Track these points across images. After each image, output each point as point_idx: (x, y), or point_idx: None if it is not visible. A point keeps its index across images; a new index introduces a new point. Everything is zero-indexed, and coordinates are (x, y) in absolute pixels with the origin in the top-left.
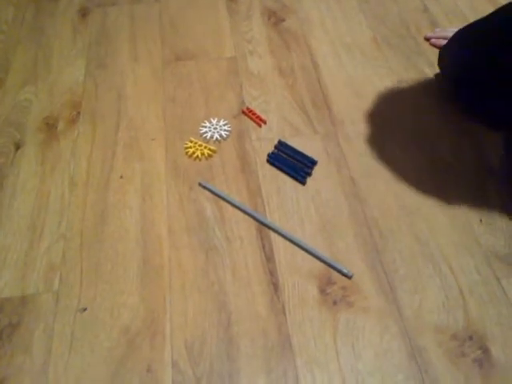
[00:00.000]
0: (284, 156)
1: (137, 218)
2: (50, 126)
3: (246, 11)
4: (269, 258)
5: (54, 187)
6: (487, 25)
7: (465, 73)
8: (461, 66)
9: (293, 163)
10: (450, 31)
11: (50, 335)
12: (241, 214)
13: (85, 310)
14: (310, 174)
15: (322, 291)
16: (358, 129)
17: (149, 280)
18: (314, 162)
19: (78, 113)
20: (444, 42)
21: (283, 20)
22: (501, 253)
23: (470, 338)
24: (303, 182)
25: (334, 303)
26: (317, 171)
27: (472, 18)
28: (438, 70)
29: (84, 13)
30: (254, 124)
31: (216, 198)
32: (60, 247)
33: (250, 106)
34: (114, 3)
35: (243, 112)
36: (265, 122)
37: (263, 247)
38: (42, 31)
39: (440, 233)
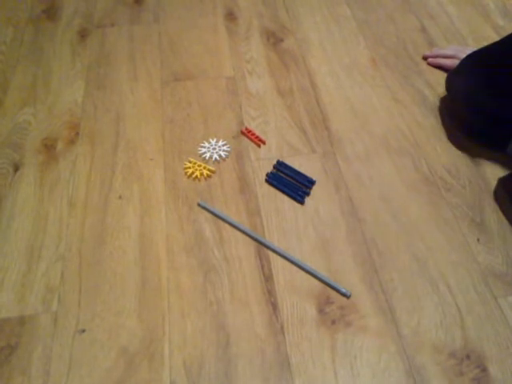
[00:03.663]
0: (283, 176)
1: (135, 238)
2: (48, 147)
3: (245, 32)
4: (267, 277)
5: (53, 208)
6: (500, 50)
7: (476, 100)
8: (473, 93)
9: (291, 183)
10: (449, 49)
11: (49, 356)
12: (240, 235)
13: (83, 331)
14: (308, 194)
15: (321, 311)
16: (356, 148)
17: (147, 301)
18: (312, 182)
19: (77, 134)
20: (442, 60)
21: (282, 40)
22: (498, 271)
23: (468, 356)
24: (302, 202)
25: (333, 323)
26: (315, 191)
27: (469, 37)
28: (435, 90)
29: (83, 34)
30: (253, 144)
31: (215, 218)
32: (58, 268)
33: (249, 126)
34: (114, 24)
35: (242, 132)
36: (264, 142)
37: (262, 267)
38: (41, 52)
39: (438, 252)
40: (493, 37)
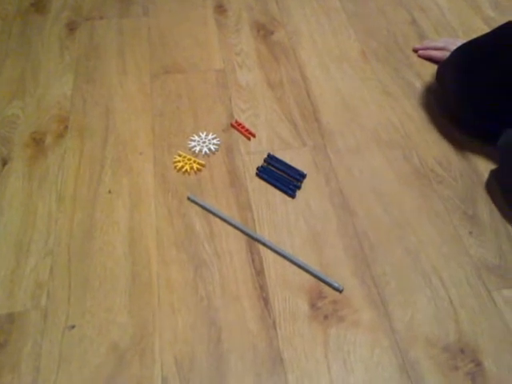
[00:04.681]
0: (273, 169)
1: (125, 233)
2: (37, 141)
3: (235, 24)
4: (259, 272)
5: (42, 203)
6: (490, 42)
7: (467, 92)
8: (463, 84)
9: (282, 176)
10: (439, 41)
11: (38, 353)
12: (230, 229)
13: (73, 327)
14: (299, 187)
15: (313, 305)
16: (346, 141)
17: (137, 296)
18: (303, 175)
19: (66, 127)
20: (432, 52)
21: (272, 33)
22: (491, 264)
23: (462, 350)
24: (293, 196)
25: (325, 317)
26: (306, 184)
27: (460, 29)
28: (426, 83)
29: (72, 27)
30: (243, 137)
31: (205, 212)
32: (47, 264)
33: (238, 119)
34: (103, 17)
35: (232, 125)
36: (254, 136)
37: (253, 261)
38: (30, 45)
39: (430, 245)
40: (483, 29)
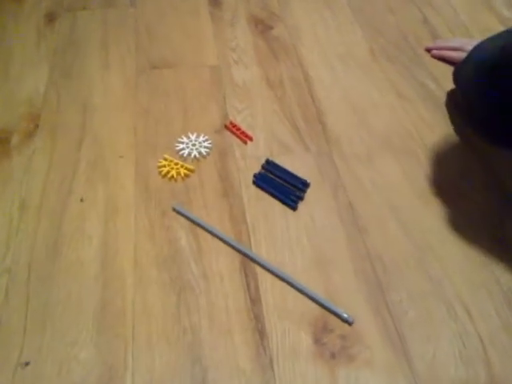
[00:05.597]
0: (272, 177)
1: (97, 249)
2: (1, 141)
3: (231, 18)
4: (254, 299)
5: (1, 212)
6: None
7: (492, 94)
8: (485, 87)
9: (282, 185)
10: (454, 41)
11: None
12: (221, 245)
13: (27, 364)
14: (301, 198)
15: (318, 341)
16: (355, 147)
17: (107, 327)
18: (306, 185)
19: (36, 126)
20: (448, 52)
21: (271, 28)
22: None
23: None
24: (294, 208)
25: (332, 356)
26: (310, 195)
27: (473, 28)
28: (441, 84)
29: (51, 17)
30: (239, 140)
31: (193, 225)
32: (2, 284)
33: (234, 120)
34: (86, 7)
35: (226, 127)
36: (251, 139)
37: (247, 286)
38: (3, 36)
39: (454, 270)
40: (498, 28)
